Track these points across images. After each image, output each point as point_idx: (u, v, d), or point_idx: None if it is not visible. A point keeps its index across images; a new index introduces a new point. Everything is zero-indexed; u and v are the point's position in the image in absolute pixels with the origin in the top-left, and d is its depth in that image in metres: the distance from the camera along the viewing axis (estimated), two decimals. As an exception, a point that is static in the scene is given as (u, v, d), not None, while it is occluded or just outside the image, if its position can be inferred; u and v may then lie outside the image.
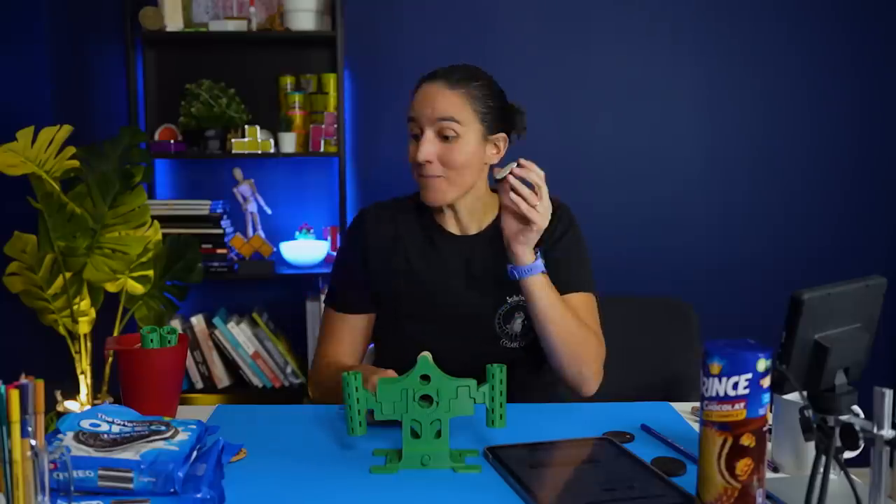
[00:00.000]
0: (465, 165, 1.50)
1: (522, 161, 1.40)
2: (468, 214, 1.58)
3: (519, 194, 1.39)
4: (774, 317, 1.27)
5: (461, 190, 1.53)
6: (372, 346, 1.75)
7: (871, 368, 1.02)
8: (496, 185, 1.44)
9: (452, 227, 1.60)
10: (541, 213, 1.39)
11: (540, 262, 1.44)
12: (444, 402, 1.10)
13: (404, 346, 1.48)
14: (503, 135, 1.56)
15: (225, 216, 2.81)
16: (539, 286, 1.45)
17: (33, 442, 0.82)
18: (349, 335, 1.61)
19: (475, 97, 1.50)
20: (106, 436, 1.02)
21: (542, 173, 1.40)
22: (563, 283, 1.51)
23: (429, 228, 1.60)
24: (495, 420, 1.12)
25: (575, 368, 1.49)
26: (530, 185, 1.39)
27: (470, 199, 1.57)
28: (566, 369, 1.49)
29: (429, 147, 1.48)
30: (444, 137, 1.48)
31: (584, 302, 1.56)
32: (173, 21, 2.70)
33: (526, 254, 1.44)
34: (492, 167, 1.52)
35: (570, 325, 1.47)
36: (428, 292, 1.56)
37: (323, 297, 2.74)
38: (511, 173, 1.39)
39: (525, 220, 1.40)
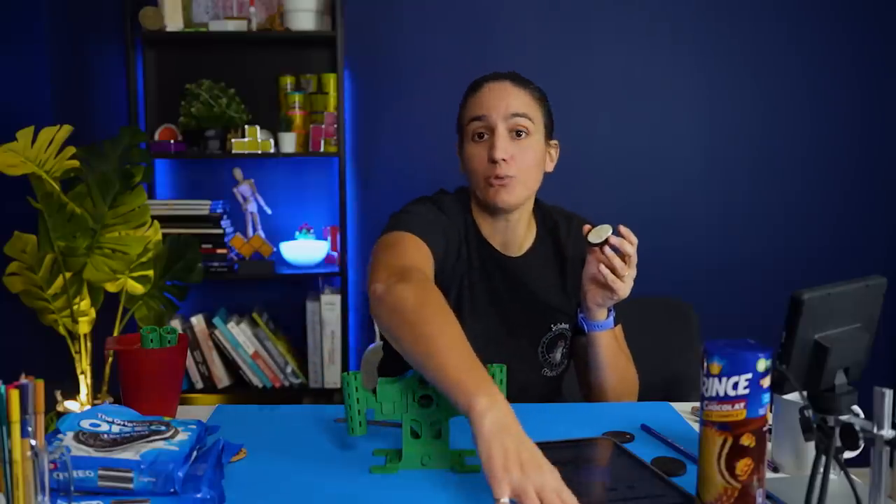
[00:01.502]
0: (534, 166, 1.45)
1: (622, 229, 1.35)
2: (515, 230, 1.50)
3: (609, 265, 1.35)
4: (774, 317, 1.27)
5: (529, 193, 1.47)
6: (380, 343, 1.72)
7: (871, 368, 1.02)
8: (587, 249, 1.39)
9: (497, 244, 1.51)
10: (627, 283, 1.36)
11: (611, 320, 1.44)
12: (444, 402, 1.10)
13: None
14: (556, 142, 1.53)
15: (225, 216, 2.81)
16: (606, 339, 1.45)
17: (33, 442, 0.82)
18: (426, 259, 1.35)
19: (538, 99, 1.48)
20: (106, 436, 1.02)
21: (635, 241, 1.36)
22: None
23: (476, 241, 1.50)
24: (495, 420, 1.12)
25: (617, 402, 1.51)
26: (618, 251, 1.35)
27: (524, 212, 1.50)
28: (609, 402, 1.51)
29: (505, 143, 1.41)
30: (516, 134, 1.43)
31: (621, 332, 1.56)
32: (173, 21, 2.70)
33: (600, 314, 1.43)
34: (584, 227, 1.39)
35: (625, 369, 1.50)
36: (475, 312, 1.48)
37: (325, 296, 2.75)
38: (607, 241, 1.35)
39: (608, 287, 1.37)
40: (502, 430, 0.96)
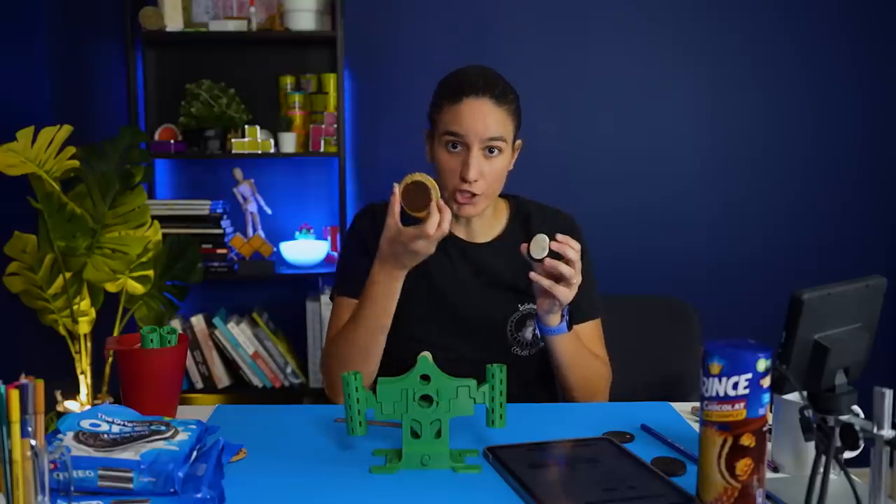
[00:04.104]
0: (501, 177, 1.51)
1: (560, 237, 1.34)
2: (480, 223, 1.58)
3: (557, 272, 1.34)
4: (774, 317, 1.27)
5: (491, 202, 1.53)
6: None
7: (871, 368, 1.03)
8: (532, 263, 1.37)
9: (460, 233, 1.58)
10: (571, 289, 1.36)
11: (564, 325, 1.45)
12: (444, 402, 1.10)
13: (411, 348, 1.46)
14: (520, 141, 1.56)
15: (225, 216, 2.81)
16: (562, 343, 1.47)
17: (33, 442, 0.82)
18: None
19: (514, 112, 1.50)
20: (106, 436, 1.02)
21: (577, 247, 1.35)
22: (577, 312, 1.51)
23: None
24: (495, 420, 1.12)
25: (587, 400, 1.53)
26: (555, 255, 1.35)
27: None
28: (578, 400, 1.53)
29: (478, 163, 1.45)
30: (488, 151, 1.47)
31: (594, 328, 1.59)
32: (173, 21, 2.70)
33: (552, 319, 1.44)
34: (521, 246, 1.40)
35: (588, 367, 1.51)
36: (439, 294, 1.55)
37: (325, 296, 2.75)
38: (548, 255, 1.34)
39: (551, 295, 1.37)
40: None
